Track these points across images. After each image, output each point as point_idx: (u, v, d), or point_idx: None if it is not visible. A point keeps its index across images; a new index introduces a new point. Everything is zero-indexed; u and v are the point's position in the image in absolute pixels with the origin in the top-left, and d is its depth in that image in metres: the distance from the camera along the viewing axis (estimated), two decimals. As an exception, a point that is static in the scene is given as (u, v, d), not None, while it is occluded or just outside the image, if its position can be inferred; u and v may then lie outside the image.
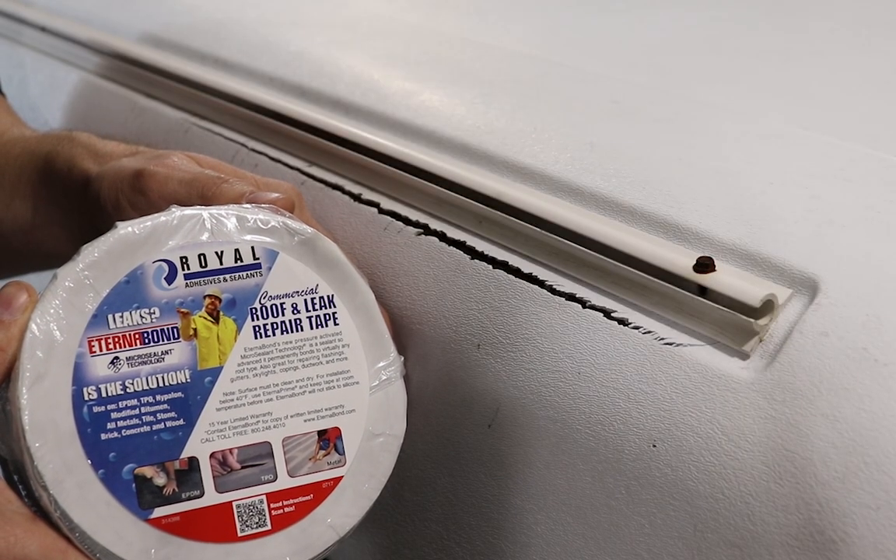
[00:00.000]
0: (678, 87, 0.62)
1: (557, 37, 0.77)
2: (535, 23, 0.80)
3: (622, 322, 0.41)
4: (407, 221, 0.51)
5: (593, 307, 0.43)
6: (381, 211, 0.53)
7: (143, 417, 0.40)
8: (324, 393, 0.43)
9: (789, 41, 0.75)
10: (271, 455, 0.42)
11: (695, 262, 0.40)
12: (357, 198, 0.54)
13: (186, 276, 0.42)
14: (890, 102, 0.61)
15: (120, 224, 0.42)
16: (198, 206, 0.44)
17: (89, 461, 0.39)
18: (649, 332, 0.40)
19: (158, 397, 0.41)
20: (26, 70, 0.89)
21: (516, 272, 0.46)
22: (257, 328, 0.43)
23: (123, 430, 0.40)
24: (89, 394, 0.40)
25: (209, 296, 0.43)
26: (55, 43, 0.86)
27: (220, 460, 0.41)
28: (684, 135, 0.51)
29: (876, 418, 0.34)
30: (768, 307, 0.38)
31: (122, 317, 0.41)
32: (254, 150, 0.62)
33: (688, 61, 0.69)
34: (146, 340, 0.41)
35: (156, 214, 0.43)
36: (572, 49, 0.73)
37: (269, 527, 0.41)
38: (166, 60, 0.73)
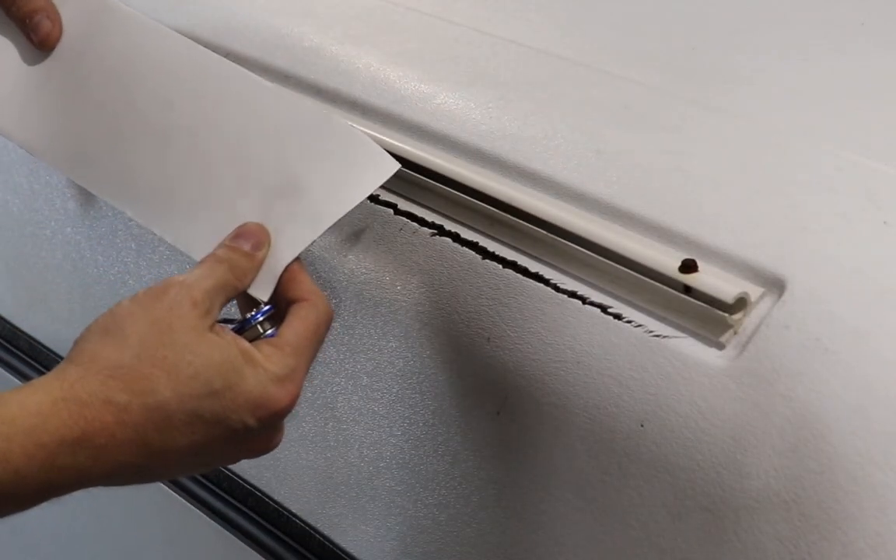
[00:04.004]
0: (691, 88, 0.77)
1: (577, 29, 0.93)
2: (555, 13, 0.96)
3: (617, 317, 0.57)
4: (422, 222, 0.67)
5: (592, 303, 0.58)
6: (398, 212, 0.69)
7: None
8: None
9: (815, 35, 0.90)
10: None
11: (680, 263, 0.56)
12: (374, 199, 0.70)
13: None
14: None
15: None
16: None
17: None
18: (640, 325, 0.56)
19: None
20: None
21: (524, 272, 0.62)
22: None
23: None
24: None
25: None
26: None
27: None
28: (686, 143, 0.66)
29: (822, 397, 0.50)
30: (742, 304, 0.54)
31: None
32: (270, 149, 0.78)
33: (707, 58, 0.84)
34: None
35: None
36: (591, 42, 0.88)
37: None
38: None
